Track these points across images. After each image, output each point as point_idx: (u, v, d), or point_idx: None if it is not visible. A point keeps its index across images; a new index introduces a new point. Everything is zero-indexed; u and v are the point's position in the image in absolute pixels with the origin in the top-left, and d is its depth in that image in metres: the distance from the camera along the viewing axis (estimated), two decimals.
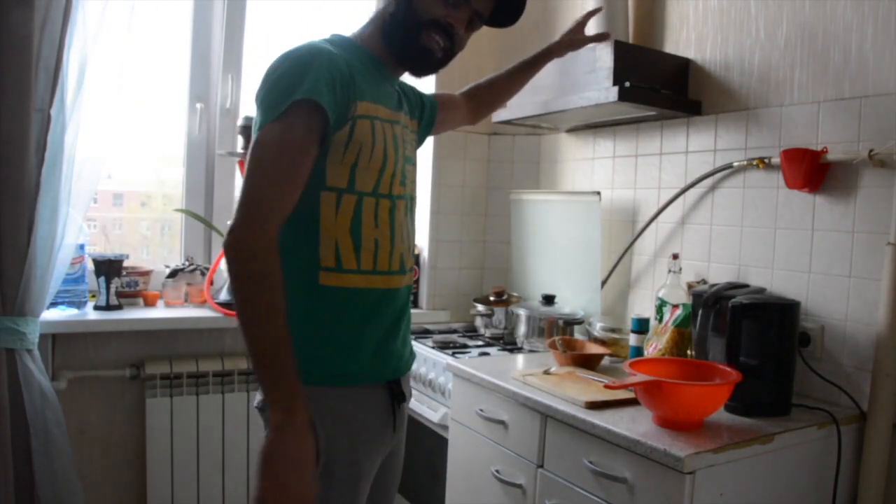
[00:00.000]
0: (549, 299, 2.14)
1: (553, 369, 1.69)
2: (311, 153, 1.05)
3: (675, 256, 1.77)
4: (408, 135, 1.26)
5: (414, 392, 2.06)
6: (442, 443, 1.90)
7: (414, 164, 1.30)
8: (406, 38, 1.17)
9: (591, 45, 1.94)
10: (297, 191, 1.04)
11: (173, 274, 2.18)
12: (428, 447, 2.01)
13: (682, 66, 1.91)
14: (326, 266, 1.12)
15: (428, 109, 1.46)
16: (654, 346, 1.73)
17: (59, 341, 1.94)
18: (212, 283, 2.20)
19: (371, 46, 1.21)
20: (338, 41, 1.18)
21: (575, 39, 1.70)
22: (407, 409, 1.30)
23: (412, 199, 1.28)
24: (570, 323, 2.09)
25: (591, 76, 1.87)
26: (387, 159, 1.15)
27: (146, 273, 2.21)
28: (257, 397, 1.17)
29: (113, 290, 2.03)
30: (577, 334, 2.09)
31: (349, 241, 1.12)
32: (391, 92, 1.24)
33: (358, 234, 1.13)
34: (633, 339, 1.80)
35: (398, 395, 1.22)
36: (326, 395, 1.11)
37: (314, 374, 1.11)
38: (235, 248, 0.98)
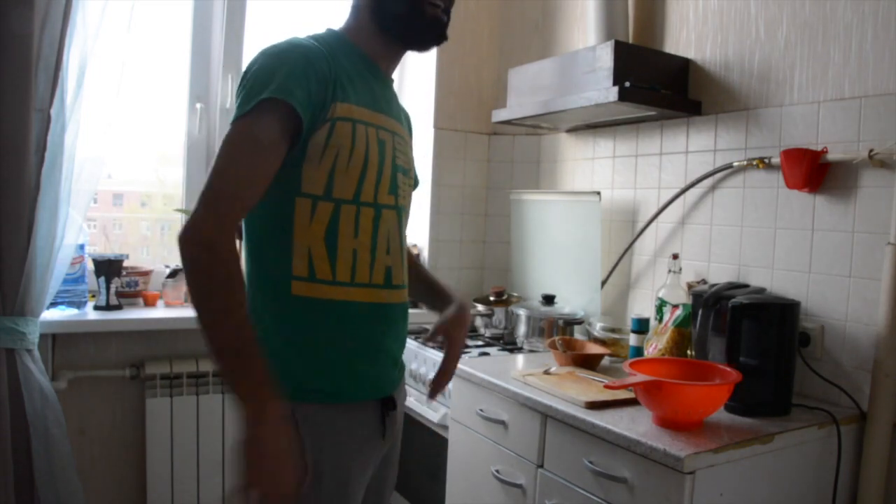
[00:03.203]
0: (549, 299, 2.14)
1: (553, 369, 1.70)
2: (279, 151, 1.00)
3: (675, 256, 1.77)
4: (400, 144, 1.19)
5: (414, 392, 2.06)
6: (442, 443, 1.90)
7: (410, 176, 1.23)
8: (411, 14, 1.12)
9: (591, 45, 1.94)
10: (260, 188, 1.00)
11: (173, 274, 2.18)
12: (428, 447, 2.01)
13: (682, 66, 1.91)
14: (298, 275, 1.06)
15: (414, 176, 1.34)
16: (654, 346, 1.73)
17: (59, 341, 1.94)
18: None
19: (359, 42, 1.16)
20: (327, 37, 1.14)
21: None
22: (400, 412, 1.25)
23: (405, 211, 1.20)
24: (570, 323, 2.09)
25: (591, 76, 1.87)
26: (367, 164, 1.08)
27: (146, 273, 2.21)
28: None
29: (113, 290, 2.03)
30: (577, 334, 2.09)
31: (323, 250, 1.07)
32: (382, 94, 1.18)
33: (334, 243, 1.07)
34: (633, 339, 1.80)
35: (388, 405, 1.18)
36: (309, 409, 1.07)
37: (289, 389, 1.07)
38: (193, 241, 0.94)
